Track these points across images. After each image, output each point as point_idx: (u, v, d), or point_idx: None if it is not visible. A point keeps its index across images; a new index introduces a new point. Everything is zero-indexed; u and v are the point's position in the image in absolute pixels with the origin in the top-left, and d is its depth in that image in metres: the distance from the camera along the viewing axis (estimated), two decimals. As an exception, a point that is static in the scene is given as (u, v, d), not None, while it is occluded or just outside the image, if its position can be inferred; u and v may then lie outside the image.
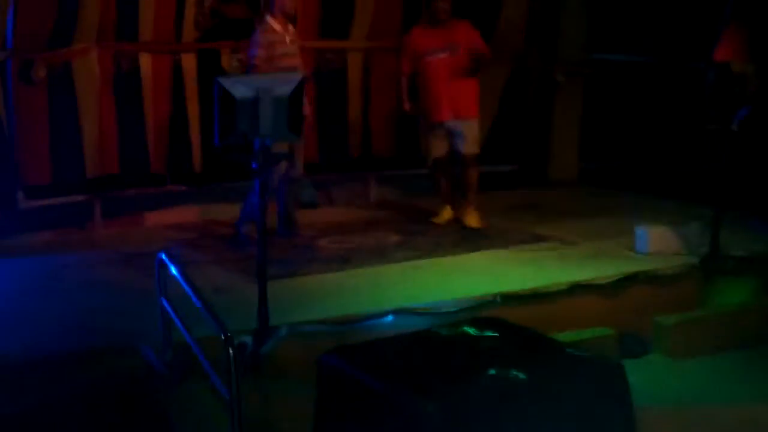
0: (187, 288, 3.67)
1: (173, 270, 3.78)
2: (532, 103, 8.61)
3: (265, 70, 6.20)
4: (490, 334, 3.30)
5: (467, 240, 6.50)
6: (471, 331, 3.33)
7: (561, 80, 8.42)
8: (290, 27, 6.55)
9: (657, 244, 6.02)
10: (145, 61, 7.30)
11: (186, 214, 7.62)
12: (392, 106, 8.15)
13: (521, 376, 3.04)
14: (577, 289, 5.40)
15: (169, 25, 7.31)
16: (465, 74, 6.89)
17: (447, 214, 7.14)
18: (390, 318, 4.84)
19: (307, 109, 6.29)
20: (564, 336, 4.73)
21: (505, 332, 3.33)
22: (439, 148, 7.04)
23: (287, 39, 6.43)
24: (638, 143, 8.60)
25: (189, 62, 7.46)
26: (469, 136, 6.98)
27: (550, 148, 8.64)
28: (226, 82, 4.03)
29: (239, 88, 4.03)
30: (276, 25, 6.41)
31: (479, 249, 6.24)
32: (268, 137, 4.10)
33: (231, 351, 3.31)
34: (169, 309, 4.00)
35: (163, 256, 3.89)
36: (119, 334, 4.44)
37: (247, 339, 4.40)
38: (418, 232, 6.80)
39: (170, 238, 6.80)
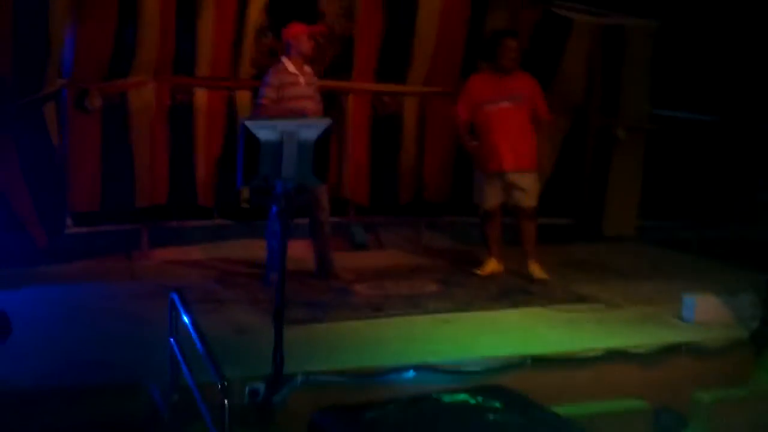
0: (193, 333, 3.59)
1: (182, 312, 3.70)
2: (591, 157, 8.38)
3: (273, 111, 6.14)
4: (492, 405, 3.12)
5: (506, 295, 6.31)
6: (472, 400, 3.16)
7: (621, 135, 8.19)
8: (306, 68, 6.45)
9: (705, 313, 5.73)
10: (201, 96, 7.36)
11: (230, 248, 7.59)
12: (447, 152, 8.07)
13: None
14: (613, 356, 5.16)
15: (227, 62, 7.36)
16: (525, 126, 6.77)
17: (491, 266, 6.96)
18: (411, 374, 4.69)
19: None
20: (593, 406, 4.50)
21: (508, 405, 3.15)
22: (492, 199, 6.86)
23: (302, 80, 6.35)
24: (700, 203, 8.33)
25: (244, 98, 7.47)
26: (529, 188, 6.81)
27: (607, 203, 8.38)
28: (251, 124, 3.98)
29: (264, 131, 3.98)
30: (291, 67, 6.34)
31: (517, 306, 6.04)
32: (291, 181, 4.02)
33: (225, 401, 3.21)
34: (176, 351, 3.93)
35: (175, 297, 3.82)
36: (132, 370, 4.39)
37: (260, 386, 4.31)
38: (459, 282, 6.64)
39: (208, 272, 6.77)
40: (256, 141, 3.98)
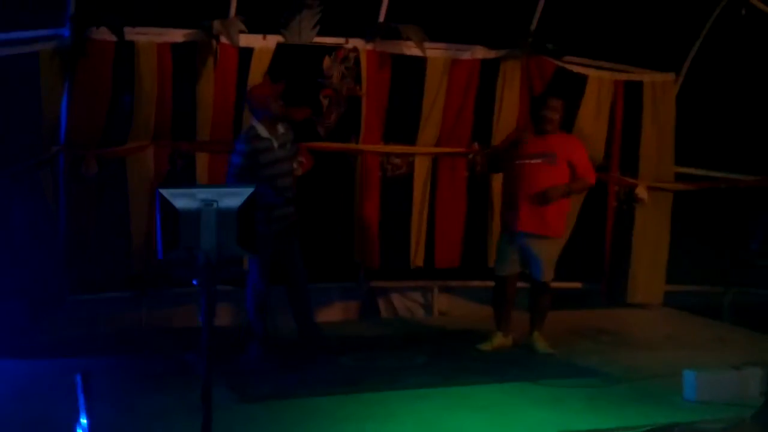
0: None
1: (80, 396, 3.49)
2: (613, 219, 7.97)
3: (245, 179, 5.91)
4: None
5: (498, 368, 5.93)
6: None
7: (643, 195, 7.77)
8: (279, 128, 6.16)
9: (707, 390, 5.25)
10: (202, 160, 7.25)
11: (230, 315, 7.39)
12: (458, 215, 7.80)
13: None
14: (593, 439, 4.73)
15: (228, 126, 7.23)
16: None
17: (496, 341, 6.53)
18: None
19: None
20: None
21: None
22: (506, 265, 6.51)
23: (275, 144, 6.08)
24: (732, 266, 7.83)
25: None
26: (544, 259, 6.41)
27: (631, 267, 7.92)
28: (166, 193, 3.79)
29: (181, 200, 3.78)
30: (263, 132, 6.08)
31: (505, 381, 5.64)
32: (212, 252, 3.81)
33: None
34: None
35: (78, 379, 3.62)
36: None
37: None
38: (452, 353, 6.31)
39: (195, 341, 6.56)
40: (174, 210, 3.79)
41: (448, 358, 6.20)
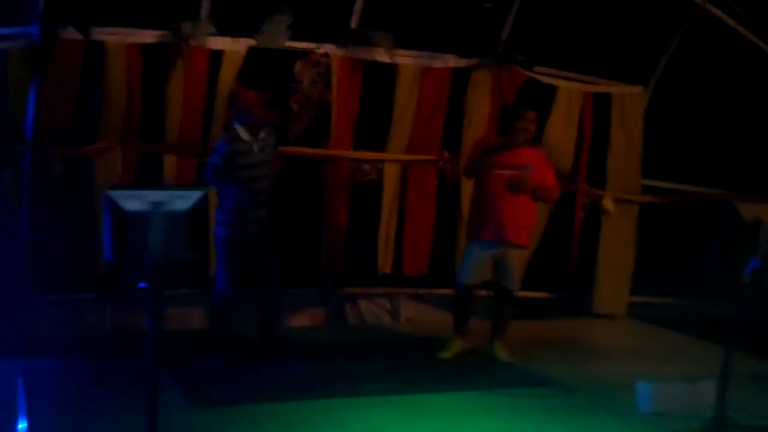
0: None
1: (21, 399, 3.47)
2: (579, 230, 8.00)
3: (223, 181, 6.04)
4: None
5: (456, 376, 5.95)
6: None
7: (609, 207, 7.80)
8: (261, 134, 6.22)
9: (661, 402, 5.28)
10: (170, 162, 7.22)
11: (196, 319, 7.37)
12: (427, 223, 7.81)
13: None
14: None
15: (197, 128, 7.22)
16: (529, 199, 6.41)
17: (457, 346, 6.56)
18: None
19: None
20: None
21: None
22: (476, 275, 6.50)
23: (255, 148, 6.13)
24: (699, 278, 7.85)
25: (214, 164, 7.33)
26: (519, 269, 6.54)
27: (598, 278, 7.95)
28: (114, 195, 3.78)
29: (130, 202, 3.78)
30: (244, 134, 6.14)
31: (462, 389, 5.65)
32: (160, 255, 3.80)
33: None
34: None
35: (20, 382, 3.60)
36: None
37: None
38: (412, 359, 6.33)
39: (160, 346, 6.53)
40: (122, 212, 3.78)
41: (407, 365, 6.21)
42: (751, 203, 5.18)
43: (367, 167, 7.75)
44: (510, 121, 6.45)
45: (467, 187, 7.74)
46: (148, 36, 6.90)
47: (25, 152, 6.74)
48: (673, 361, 6.56)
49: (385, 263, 7.82)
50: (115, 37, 6.78)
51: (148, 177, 7.17)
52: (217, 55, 7.11)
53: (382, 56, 7.46)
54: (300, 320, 7.84)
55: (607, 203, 7.83)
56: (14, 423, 3.90)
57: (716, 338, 7.14)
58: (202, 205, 3.92)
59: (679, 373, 5.86)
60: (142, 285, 3.89)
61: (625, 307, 8.04)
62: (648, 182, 7.99)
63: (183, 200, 3.87)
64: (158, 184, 7.18)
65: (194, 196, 3.89)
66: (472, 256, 6.55)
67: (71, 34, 6.56)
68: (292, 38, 7.27)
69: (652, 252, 8.03)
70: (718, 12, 7.24)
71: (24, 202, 6.81)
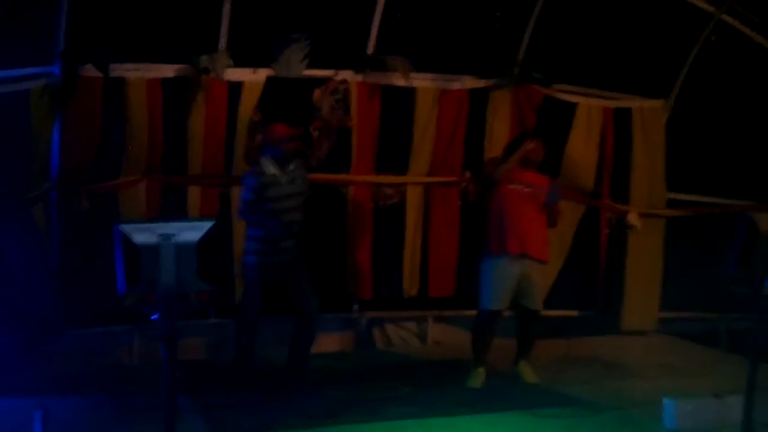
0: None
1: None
2: (605, 246, 7.93)
3: (255, 213, 6.16)
4: None
5: (480, 397, 5.93)
6: None
7: (634, 222, 7.74)
8: (290, 166, 6.34)
9: (687, 419, 5.21)
10: (194, 193, 7.30)
11: (224, 349, 7.41)
12: (451, 244, 7.80)
13: None
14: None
15: (220, 159, 7.30)
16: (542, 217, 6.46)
17: (482, 374, 6.40)
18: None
19: None
20: None
21: None
22: (503, 298, 6.34)
23: (283, 180, 6.25)
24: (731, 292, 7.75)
25: (238, 194, 7.39)
26: (543, 286, 6.49)
27: (626, 294, 7.88)
28: (126, 228, 3.85)
29: (141, 235, 3.84)
30: (269, 168, 6.25)
31: (486, 410, 5.62)
32: (172, 287, 3.85)
33: None
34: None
35: (37, 416, 3.66)
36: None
37: None
38: (437, 383, 6.30)
39: (185, 375, 6.58)
40: (133, 245, 3.84)
41: (432, 388, 6.19)
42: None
43: (389, 191, 7.77)
44: (514, 150, 6.51)
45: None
46: (168, 70, 7.01)
47: (52, 189, 6.87)
48: (702, 376, 6.48)
49: (411, 286, 7.81)
50: (135, 72, 6.89)
51: (172, 209, 7.26)
52: (236, 87, 7.19)
53: (400, 80, 7.50)
54: (329, 346, 7.84)
55: (633, 218, 7.77)
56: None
57: (746, 352, 7.07)
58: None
59: (707, 388, 5.81)
60: (154, 317, 3.93)
61: (656, 322, 7.94)
62: (674, 196, 7.91)
63: (192, 232, 3.92)
64: (182, 215, 7.28)
65: (203, 227, 3.94)
66: (494, 278, 6.39)
67: (92, 71, 6.67)
68: (310, 66, 7.34)
69: (682, 266, 7.92)
70: (736, 23, 7.18)
71: (53, 237, 6.93)
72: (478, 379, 6.38)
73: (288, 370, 6.29)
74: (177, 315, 3.96)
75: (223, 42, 7.06)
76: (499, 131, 7.72)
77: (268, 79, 7.26)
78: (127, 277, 3.93)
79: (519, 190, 6.39)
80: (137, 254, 3.87)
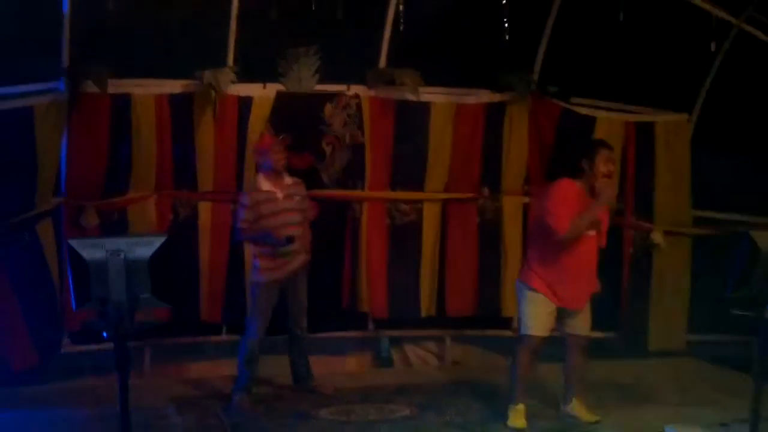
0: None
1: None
2: (630, 265, 7.62)
3: (252, 230, 6.15)
4: None
5: (479, 423, 5.65)
6: None
7: (659, 240, 7.41)
8: (285, 181, 6.29)
9: (691, 449, 4.89)
10: (204, 209, 7.23)
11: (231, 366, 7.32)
12: (469, 261, 7.57)
13: None
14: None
15: (230, 175, 7.21)
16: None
17: (524, 410, 5.64)
18: None
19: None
20: None
21: None
22: (548, 323, 5.56)
23: (279, 195, 6.21)
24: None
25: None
26: (587, 313, 5.71)
27: (651, 315, 7.54)
28: (75, 243, 3.75)
29: (89, 250, 3.74)
30: (264, 184, 6.23)
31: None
32: (123, 304, 3.74)
33: None
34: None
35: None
36: None
37: None
38: (439, 406, 6.05)
39: (178, 392, 6.50)
40: (83, 261, 3.75)
41: (432, 411, 5.96)
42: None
43: (405, 207, 7.59)
44: (580, 161, 5.47)
45: (510, 223, 7.52)
46: (176, 86, 6.96)
47: (60, 205, 6.86)
48: (720, 401, 6.15)
49: (428, 305, 7.61)
50: (142, 88, 6.86)
51: (182, 224, 7.20)
52: (246, 101, 7.11)
53: (410, 94, 7.33)
54: (346, 365, 7.70)
55: (657, 236, 7.45)
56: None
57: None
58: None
59: (726, 416, 5.49)
60: (105, 335, 3.83)
61: (684, 344, 7.59)
62: (701, 213, 7.56)
63: (144, 247, 3.81)
64: (192, 231, 7.21)
65: (155, 242, 3.82)
66: (539, 303, 5.58)
67: (95, 87, 6.66)
68: (321, 80, 7.23)
69: (714, 286, 7.54)
70: (759, 33, 6.85)
71: (63, 254, 6.91)
72: (519, 418, 5.60)
73: (296, 381, 6.41)
74: (129, 334, 3.84)
75: (230, 56, 6.99)
76: (516, 146, 7.51)
77: (279, 93, 7.16)
78: (76, 293, 3.82)
79: (584, 236, 5.50)
80: (85, 270, 3.77)
